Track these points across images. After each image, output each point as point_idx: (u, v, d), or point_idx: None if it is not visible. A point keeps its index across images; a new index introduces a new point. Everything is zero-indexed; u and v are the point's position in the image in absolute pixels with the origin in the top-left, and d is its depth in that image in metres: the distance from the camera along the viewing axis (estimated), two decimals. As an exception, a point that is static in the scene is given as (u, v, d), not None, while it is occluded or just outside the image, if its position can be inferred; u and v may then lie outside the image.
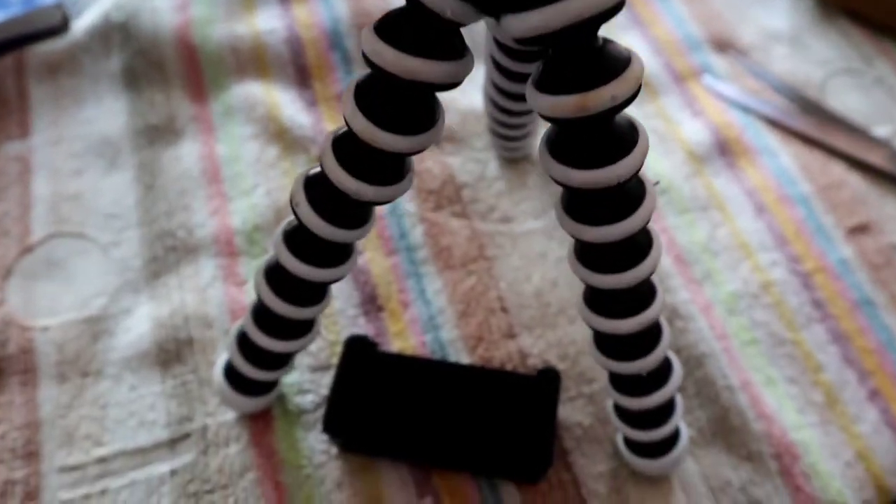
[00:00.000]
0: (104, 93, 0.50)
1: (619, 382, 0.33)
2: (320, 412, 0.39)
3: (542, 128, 0.47)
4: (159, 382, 0.39)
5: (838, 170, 0.49)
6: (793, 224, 0.47)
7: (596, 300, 0.30)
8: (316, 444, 0.38)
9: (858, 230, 0.47)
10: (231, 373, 0.37)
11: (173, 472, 0.37)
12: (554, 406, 0.36)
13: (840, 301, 0.44)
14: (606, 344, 0.32)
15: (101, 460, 0.37)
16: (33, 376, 0.39)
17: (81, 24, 0.52)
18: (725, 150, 0.50)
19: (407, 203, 0.46)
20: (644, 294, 0.30)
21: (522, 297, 0.43)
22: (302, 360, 0.40)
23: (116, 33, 0.51)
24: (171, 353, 0.40)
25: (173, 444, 0.38)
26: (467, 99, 0.50)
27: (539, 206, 0.46)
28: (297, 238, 0.30)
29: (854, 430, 0.40)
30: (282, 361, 0.35)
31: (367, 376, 0.37)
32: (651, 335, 0.31)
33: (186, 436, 0.38)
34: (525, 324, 0.42)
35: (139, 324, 0.41)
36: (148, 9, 0.52)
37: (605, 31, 0.23)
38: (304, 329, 0.34)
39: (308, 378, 0.40)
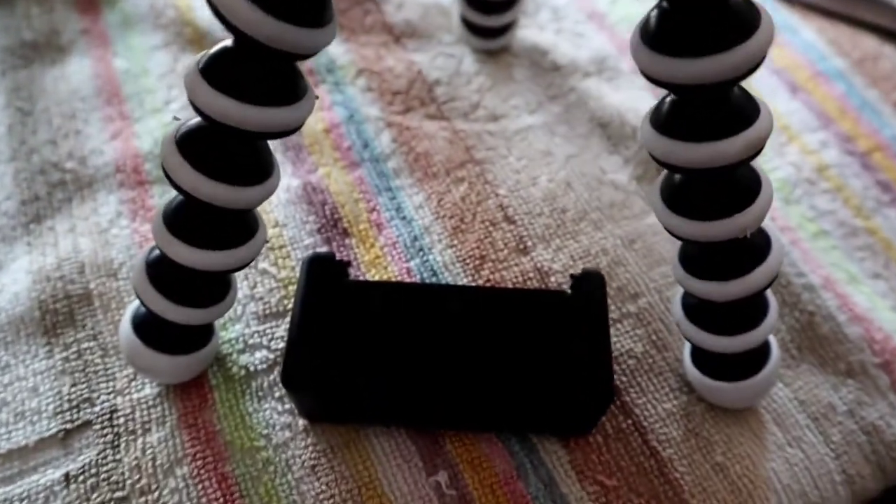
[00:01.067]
0: (-38, 9, 0.36)
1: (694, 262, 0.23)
2: (277, 372, 0.26)
3: (527, 19, 0.36)
4: (45, 357, 0.26)
5: (870, 42, 0.40)
6: (834, 101, 0.37)
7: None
8: (275, 416, 0.25)
9: (909, 102, 0.37)
10: (144, 323, 0.24)
11: (68, 478, 0.24)
12: (603, 322, 0.24)
13: (910, 180, 0.34)
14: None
15: (-39, 471, 0.24)
16: None
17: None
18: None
19: (367, 108, 0.34)
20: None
21: (530, 204, 0.31)
22: (247, 307, 0.28)
23: (-25, -63, 0.38)
24: (60, 314, 0.27)
25: (67, 438, 0.25)
26: (427, -9, 0.39)
27: (534, 100, 0.35)
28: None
29: (967, 327, 0.30)
30: (215, 287, 0.23)
31: (339, 311, 0.25)
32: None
33: (86, 425, 0.25)
34: (539, 235, 0.30)
35: (13, 282, 0.28)
36: None
37: None
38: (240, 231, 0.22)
39: (256, 329, 0.27)
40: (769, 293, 0.24)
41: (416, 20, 0.37)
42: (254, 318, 0.27)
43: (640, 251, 0.30)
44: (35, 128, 0.32)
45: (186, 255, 0.21)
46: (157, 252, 0.23)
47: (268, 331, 0.27)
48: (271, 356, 0.26)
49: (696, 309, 0.24)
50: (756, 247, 0.22)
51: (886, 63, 0.39)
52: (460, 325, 0.25)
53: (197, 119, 0.20)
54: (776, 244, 0.23)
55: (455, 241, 0.30)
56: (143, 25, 0.36)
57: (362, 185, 0.31)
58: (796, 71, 0.38)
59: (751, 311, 0.24)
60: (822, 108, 0.36)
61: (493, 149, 0.33)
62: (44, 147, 0.31)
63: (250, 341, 0.27)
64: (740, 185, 0.21)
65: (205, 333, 0.25)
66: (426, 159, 0.32)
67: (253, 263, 0.28)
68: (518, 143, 0.33)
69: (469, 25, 0.35)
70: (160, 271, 0.23)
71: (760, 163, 0.33)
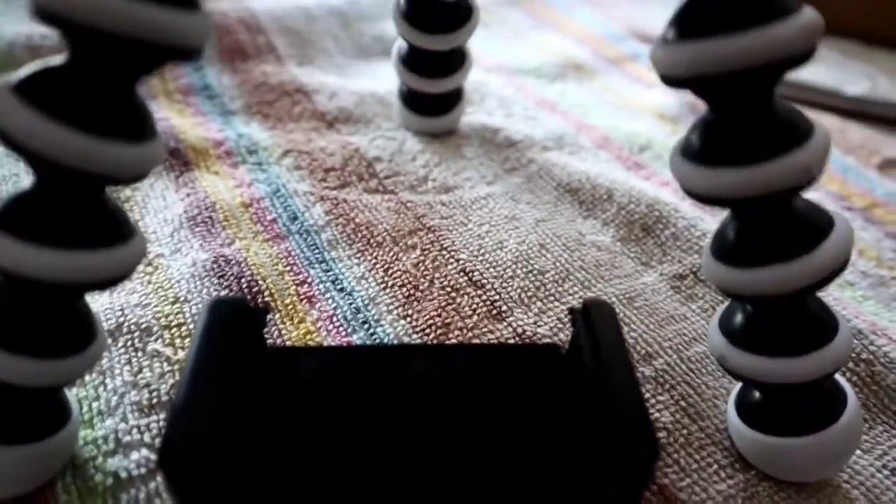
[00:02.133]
0: None
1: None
2: (159, 481, 0.18)
3: (473, 107, 0.34)
4: None
5: (830, 119, 0.38)
6: (814, 167, 0.34)
7: None
8: (153, 542, 0.17)
9: (890, 165, 0.34)
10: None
11: None
12: (625, 361, 0.18)
13: (921, 231, 0.30)
14: None
15: None
16: None
17: None
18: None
19: (295, 184, 0.29)
20: None
21: (500, 268, 0.25)
22: (126, 397, 0.20)
23: None
24: None
25: None
26: (357, 86, 0.36)
27: (490, 173, 0.31)
28: None
29: None
30: (71, 329, 0.16)
31: (252, 377, 0.18)
32: None
33: None
34: (515, 299, 0.24)
35: None
36: None
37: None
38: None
39: (136, 424, 0.19)
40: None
41: (351, 108, 0.34)
42: (134, 410, 0.19)
43: (644, 309, 0.24)
44: None
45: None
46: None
47: (152, 425, 0.19)
48: (154, 457, 0.18)
49: (742, 328, 0.18)
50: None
51: (854, 135, 0.37)
52: (427, 396, 0.18)
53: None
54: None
55: (409, 311, 0.23)
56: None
57: (289, 257, 0.25)
58: (766, 144, 0.35)
59: (814, 321, 0.18)
60: (804, 173, 0.33)
61: (449, 217, 0.28)
62: None
63: (125, 439, 0.19)
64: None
65: (54, 413, 0.17)
66: (368, 230, 0.27)
67: (140, 343, 0.21)
68: (477, 210, 0.28)
69: (412, 100, 0.32)
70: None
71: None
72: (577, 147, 0.33)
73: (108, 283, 0.16)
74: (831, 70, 0.44)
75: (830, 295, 0.25)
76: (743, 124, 0.16)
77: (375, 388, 0.18)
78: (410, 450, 0.17)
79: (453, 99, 0.32)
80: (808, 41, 0.15)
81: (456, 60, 0.31)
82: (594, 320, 0.18)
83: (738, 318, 0.18)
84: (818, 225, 0.17)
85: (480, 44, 0.42)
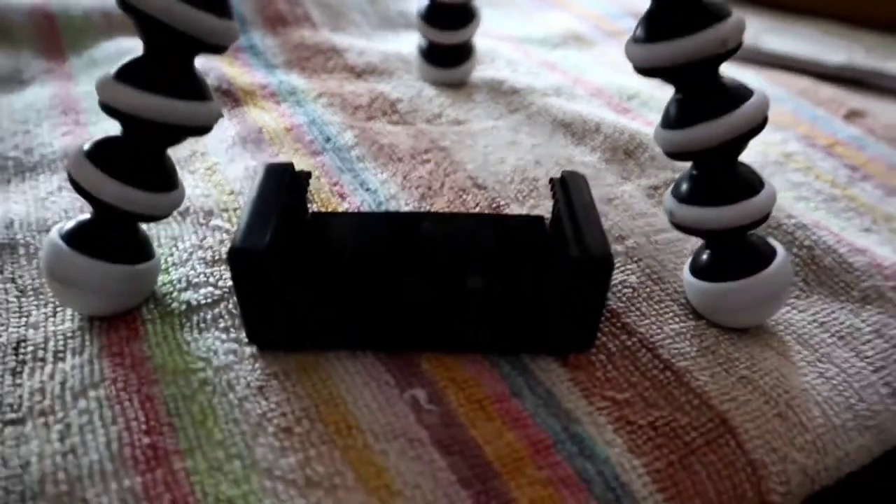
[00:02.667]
0: (-75, 59, 0.37)
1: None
2: (223, 307, 0.23)
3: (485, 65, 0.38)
4: (-53, 298, 0.22)
5: (805, 81, 0.42)
6: (786, 115, 0.38)
7: None
8: (217, 343, 0.21)
9: (854, 115, 0.38)
10: (74, 230, 0.21)
11: (-51, 404, 0.19)
12: (594, 217, 0.22)
13: (874, 165, 0.34)
14: None
15: None
16: None
17: None
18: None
19: (329, 116, 0.34)
20: None
21: (500, 175, 0.30)
22: (194, 254, 0.25)
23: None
24: (-28, 260, 0.24)
25: (-43, 367, 0.20)
26: (384, 47, 0.41)
27: (496, 112, 0.36)
28: None
29: (976, 264, 0.28)
30: (160, 161, 0.21)
31: (299, 231, 0.23)
32: None
33: (-17, 355, 0.21)
34: (512, 197, 0.29)
35: (-75, 237, 0.25)
36: (-4, -11, 0.42)
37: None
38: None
39: (203, 271, 0.24)
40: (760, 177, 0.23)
41: (377, 63, 0.39)
42: (200, 263, 0.24)
43: (620, 206, 0.29)
44: (-21, 130, 0.31)
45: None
46: (99, 138, 0.21)
47: (215, 273, 0.24)
48: (217, 292, 0.23)
49: (684, 188, 0.22)
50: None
51: (826, 92, 0.41)
52: (434, 242, 0.23)
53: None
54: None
55: (423, 205, 0.28)
56: (106, 64, 0.37)
57: (324, 167, 0.30)
58: (744, 97, 0.40)
59: (741, 181, 0.22)
60: (776, 121, 0.38)
61: (459, 141, 0.32)
62: (-14, 142, 0.30)
63: (195, 281, 0.24)
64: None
65: (142, 247, 0.22)
66: (390, 148, 0.31)
67: (204, 220, 0.26)
68: (483, 137, 0.33)
69: (429, 54, 0.37)
70: (104, 151, 0.21)
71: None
72: (573, 96, 0.38)
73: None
74: (812, 44, 0.48)
75: (790, 207, 0.30)
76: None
77: (393, 236, 0.23)
78: (418, 275, 0.21)
79: (465, 53, 0.37)
80: (738, 37, 0.20)
81: (467, 15, 0.36)
82: (571, 185, 0.23)
83: (683, 182, 0.23)
84: (739, 92, 0.21)
85: (491, 19, 0.47)
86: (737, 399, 0.21)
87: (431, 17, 0.35)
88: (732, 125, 0.21)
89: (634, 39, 0.21)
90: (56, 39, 0.39)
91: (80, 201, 0.26)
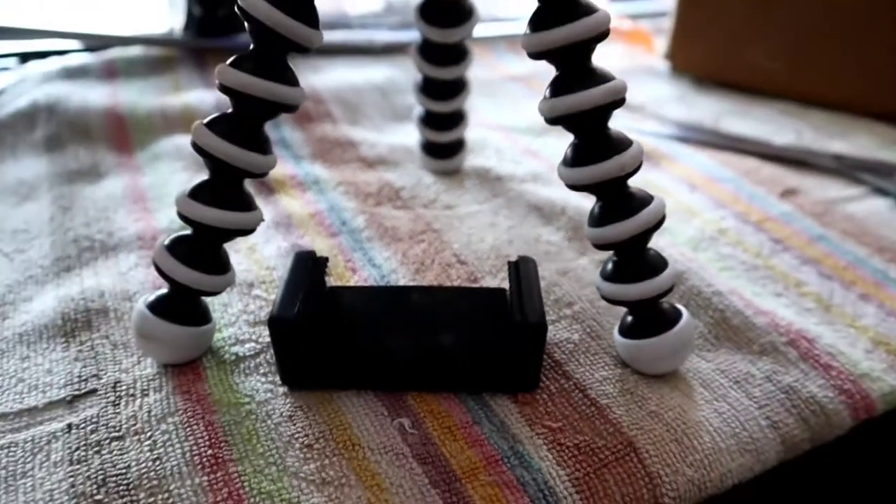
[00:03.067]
0: (24, 156, 0.46)
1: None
2: (262, 358, 0.31)
3: (476, 153, 0.46)
4: (61, 350, 0.31)
5: (752, 162, 0.50)
6: (727, 194, 0.46)
7: None
8: (259, 384, 0.29)
9: (789, 193, 0.46)
10: (155, 300, 0.29)
11: (70, 427, 0.27)
12: (537, 292, 0.30)
13: (796, 238, 0.41)
14: None
15: (-28, 426, 0.27)
16: None
17: (6, 111, 0.50)
18: (646, 157, 0.50)
19: (346, 202, 0.42)
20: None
21: (479, 254, 0.38)
22: (240, 318, 0.33)
23: (42, 113, 0.49)
24: (79, 322, 0.32)
25: (73, 401, 0.28)
26: (392, 139, 0.50)
27: (481, 196, 0.44)
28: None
29: (859, 325, 0.35)
30: (218, 254, 0.29)
31: (321, 296, 0.31)
32: None
33: (92, 392, 0.29)
34: (487, 271, 0.37)
35: (42, 304, 0.33)
36: (78, 95, 0.51)
37: (507, 101, 0.24)
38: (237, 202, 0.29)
39: (246, 331, 0.32)
40: (665, 258, 0.30)
41: (386, 154, 0.48)
42: (245, 324, 0.32)
43: (573, 278, 0.36)
44: (72, 216, 0.40)
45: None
46: (175, 234, 0.29)
47: (256, 332, 0.32)
48: (258, 346, 0.31)
49: (607, 269, 0.30)
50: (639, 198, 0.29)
51: (767, 172, 0.49)
52: (420, 309, 0.30)
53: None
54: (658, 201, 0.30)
55: (416, 277, 0.36)
56: (168, 158, 0.46)
57: (340, 246, 0.38)
58: (694, 178, 0.47)
59: (649, 264, 0.30)
60: (719, 198, 0.45)
61: (448, 224, 0.41)
62: (78, 227, 0.39)
63: (241, 338, 0.32)
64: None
65: (204, 314, 0.30)
66: (393, 231, 0.40)
67: (246, 290, 0.34)
68: (468, 220, 0.41)
69: (427, 147, 0.45)
70: (179, 245, 0.29)
71: (669, 225, 0.41)
72: (548, 181, 0.46)
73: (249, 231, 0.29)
74: (766, 125, 0.56)
75: (709, 272, 0.37)
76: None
77: (391, 305, 0.31)
78: (407, 334, 0.29)
79: (458, 146, 0.45)
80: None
81: (457, 119, 0.44)
82: (522, 268, 0.31)
83: (607, 265, 0.30)
84: (642, 200, 0.29)
85: (485, 109, 0.56)
86: (643, 428, 0.28)
87: (428, 121, 0.44)
88: (635, 225, 0.28)
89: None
90: (125, 136, 0.48)
91: (152, 276, 0.35)
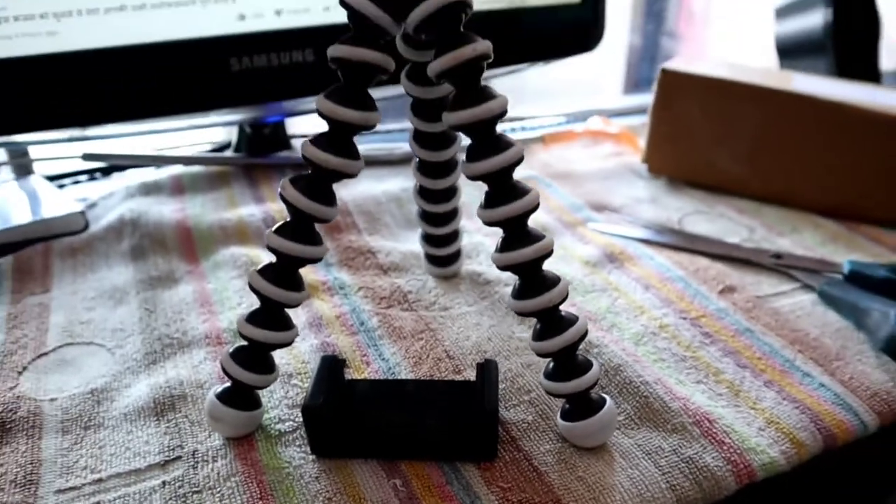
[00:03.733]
0: (115, 264, 0.60)
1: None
2: (298, 433, 0.43)
3: (471, 259, 0.58)
4: (154, 426, 0.43)
5: (704, 261, 0.61)
6: (675, 293, 0.57)
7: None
8: (295, 453, 0.41)
9: (727, 290, 0.57)
10: (221, 392, 0.42)
11: (164, 483, 0.39)
12: (495, 387, 0.42)
13: (724, 332, 0.52)
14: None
15: (97, 482, 0.40)
16: (38, 430, 0.43)
17: (99, 224, 0.64)
18: (613, 259, 0.61)
19: (364, 305, 0.55)
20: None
21: (464, 350, 0.50)
22: (281, 402, 0.45)
23: (128, 227, 0.63)
24: (166, 404, 0.45)
25: (165, 464, 0.41)
26: (405, 247, 0.63)
27: (471, 299, 0.56)
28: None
29: (759, 406, 0.45)
30: (267, 359, 0.41)
31: (341, 388, 0.43)
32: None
33: (178, 458, 0.41)
34: (469, 364, 0.48)
35: (138, 390, 0.46)
36: (155, 210, 0.66)
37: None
38: (284, 324, 0.41)
39: (286, 413, 0.44)
40: (591, 361, 0.42)
41: (399, 262, 0.60)
42: (285, 407, 0.45)
43: (534, 370, 0.48)
44: (156, 318, 0.53)
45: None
46: (236, 345, 0.42)
47: (293, 413, 0.44)
48: (295, 424, 0.43)
49: (548, 371, 0.41)
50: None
51: (713, 271, 0.59)
52: (411, 399, 0.42)
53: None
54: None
55: (415, 369, 0.48)
56: (226, 267, 0.59)
57: (358, 344, 0.51)
58: (650, 278, 0.59)
59: (578, 367, 0.41)
60: (667, 296, 0.56)
61: (442, 324, 0.53)
62: (161, 327, 0.52)
63: (282, 418, 0.44)
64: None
65: (257, 401, 0.43)
66: (399, 330, 0.52)
67: (287, 380, 0.47)
68: (459, 320, 0.53)
69: (430, 259, 0.58)
70: (239, 354, 0.41)
71: (620, 322, 0.52)
72: (528, 282, 0.58)
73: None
74: (723, 223, 0.67)
75: (644, 364, 0.48)
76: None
77: (389, 394, 0.42)
78: (402, 418, 0.41)
79: (455, 257, 0.58)
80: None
81: (454, 238, 0.56)
82: (486, 368, 0.43)
83: (548, 366, 0.42)
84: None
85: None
86: (570, 489, 0.39)
87: (429, 239, 0.56)
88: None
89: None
90: (192, 247, 0.62)
91: (217, 370, 0.48)
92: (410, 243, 0.63)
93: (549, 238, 0.40)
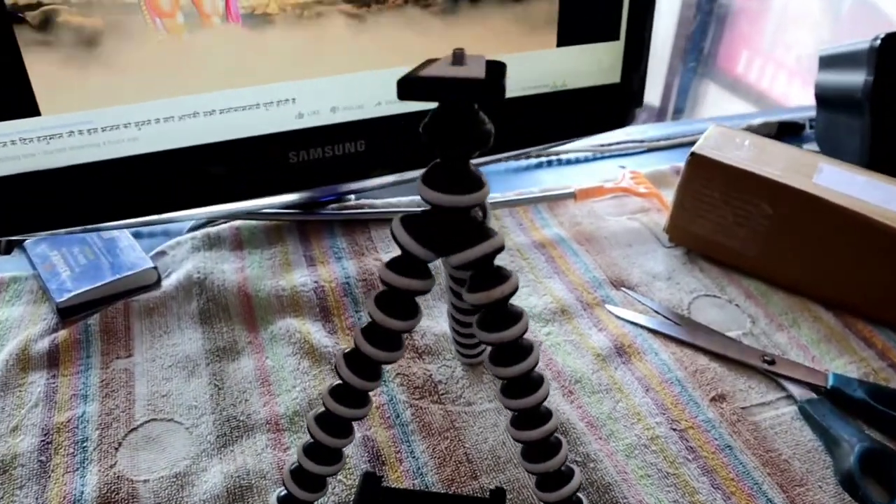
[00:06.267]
0: (186, 327, 0.71)
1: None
2: (342, 533, 0.55)
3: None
4: (228, 516, 0.56)
5: (702, 360, 0.70)
6: (671, 397, 0.66)
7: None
8: (339, 554, 0.54)
9: (718, 398, 0.66)
10: (282, 499, 0.53)
11: (239, 576, 0.52)
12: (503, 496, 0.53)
13: (707, 447, 0.62)
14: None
15: (188, 570, 0.52)
16: (139, 514, 0.56)
17: (170, 280, 0.75)
18: (622, 352, 0.71)
19: (400, 395, 0.65)
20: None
21: (481, 453, 0.61)
22: (328, 499, 0.57)
23: (196, 287, 0.74)
24: (236, 495, 0.57)
25: (238, 557, 0.53)
26: (438, 328, 0.72)
27: (491, 394, 0.66)
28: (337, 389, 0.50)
29: (721, 534, 0.56)
30: (337, 457, 0.52)
31: (378, 495, 0.54)
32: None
33: (248, 551, 0.54)
34: (484, 470, 0.59)
35: (213, 477, 0.58)
36: (219, 270, 0.76)
37: (532, 277, 0.46)
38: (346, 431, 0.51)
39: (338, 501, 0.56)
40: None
41: (431, 344, 0.70)
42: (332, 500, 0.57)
43: (540, 480, 0.59)
44: (224, 396, 0.64)
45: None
46: (292, 466, 0.53)
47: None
48: (339, 524, 0.55)
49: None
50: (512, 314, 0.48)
51: (709, 374, 0.69)
52: (435, 511, 0.54)
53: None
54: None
55: (439, 471, 0.59)
56: (282, 341, 0.70)
57: (393, 438, 0.62)
58: (651, 378, 0.68)
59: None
60: (663, 402, 0.66)
61: (466, 422, 0.63)
62: (229, 407, 0.63)
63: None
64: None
65: (325, 485, 0.54)
66: (429, 426, 0.63)
67: (340, 476, 0.59)
68: (481, 418, 0.64)
69: (458, 345, 0.68)
70: (295, 474, 0.52)
71: (618, 430, 0.62)
72: (543, 377, 0.67)
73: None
74: (728, 311, 0.76)
75: (630, 481, 0.58)
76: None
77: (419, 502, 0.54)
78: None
79: (481, 348, 0.68)
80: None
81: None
82: (496, 496, 0.53)
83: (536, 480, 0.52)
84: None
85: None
86: None
87: (458, 331, 0.66)
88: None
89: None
90: (252, 315, 0.72)
91: (277, 459, 0.59)
92: (443, 320, 0.73)
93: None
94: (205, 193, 0.68)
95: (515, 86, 0.75)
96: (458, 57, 0.41)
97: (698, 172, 0.79)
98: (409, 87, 0.39)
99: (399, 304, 0.46)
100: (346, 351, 0.48)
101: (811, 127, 1.12)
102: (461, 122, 0.41)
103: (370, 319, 0.47)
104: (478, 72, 0.39)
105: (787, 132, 1.11)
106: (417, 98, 0.39)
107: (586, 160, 1.04)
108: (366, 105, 0.70)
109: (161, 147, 0.64)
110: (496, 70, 0.40)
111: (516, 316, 0.47)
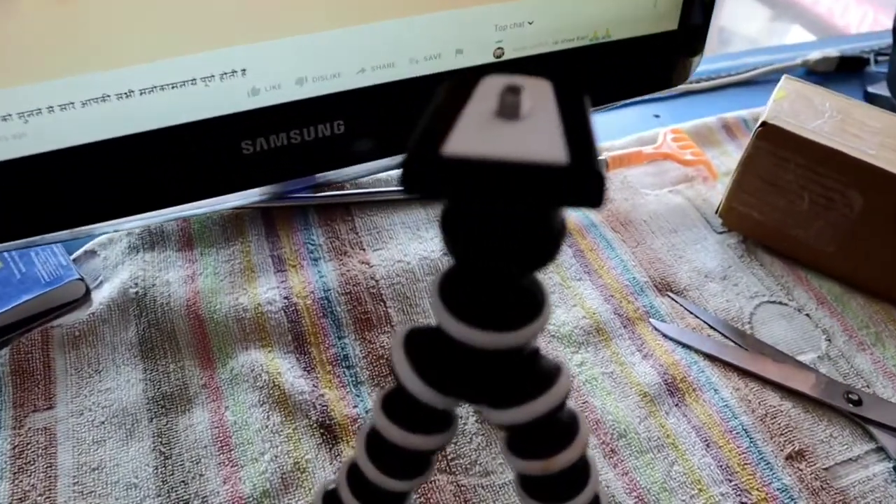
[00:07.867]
0: (122, 363, 0.56)
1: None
2: None
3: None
4: None
5: (773, 398, 0.57)
6: (737, 455, 0.53)
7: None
8: None
9: (795, 456, 0.53)
10: None
11: None
12: None
13: (786, 530, 0.50)
14: None
15: None
16: None
17: (102, 294, 0.59)
18: (673, 389, 0.57)
19: (398, 458, 0.51)
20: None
21: (506, 547, 0.48)
22: None
23: (133, 306, 0.58)
24: None
25: None
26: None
27: (515, 454, 0.52)
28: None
29: None
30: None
31: None
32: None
33: None
34: (510, 574, 0.47)
35: None
36: (162, 281, 0.60)
37: (558, 279, 0.31)
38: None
39: None
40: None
41: (436, 379, 0.56)
42: None
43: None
44: (172, 470, 0.50)
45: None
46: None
47: None
48: None
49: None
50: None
51: (782, 418, 0.55)
52: None
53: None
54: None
55: (453, 576, 0.46)
56: (245, 384, 0.55)
57: (391, 525, 0.48)
58: (712, 427, 0.55)
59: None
60: (728, 462, 0.53)
61: (484, 500, 0.50)
62: (178, 486, 0.49)
63: None
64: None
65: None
66: (437, 504, 0.49)
67: None
68: (501, 494, 0.50)
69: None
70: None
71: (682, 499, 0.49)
72: (578, 429, 0.54)
73: None
74: (797, 325, 0.61)
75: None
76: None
77: None
78: None
79: (499, 395, 0.53)
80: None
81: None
82: None
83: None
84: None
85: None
86: None
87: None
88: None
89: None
90: (207, 345, 0.57)
91: (243, 566, 0.46)
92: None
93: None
94: (128, 201, 0.51)
95: (546, 38, 0.56)
96: (511, 106, 0.24)
97: (769, 148, 0.63)
98: (425, 178, 0.22)
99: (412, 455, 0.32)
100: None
101: (876, 62, 0.94)
102: (522, 229, 0.25)
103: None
104: (551, 144, 0.22)
105: (846, 67, 0.93)
106: (444, 198, 0.23)
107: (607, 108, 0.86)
108: (344, 73, 0.51)
109: (58, 145, 0.47)
110: (579, 134, 0.23)
111: (568, 428, 0.32)
